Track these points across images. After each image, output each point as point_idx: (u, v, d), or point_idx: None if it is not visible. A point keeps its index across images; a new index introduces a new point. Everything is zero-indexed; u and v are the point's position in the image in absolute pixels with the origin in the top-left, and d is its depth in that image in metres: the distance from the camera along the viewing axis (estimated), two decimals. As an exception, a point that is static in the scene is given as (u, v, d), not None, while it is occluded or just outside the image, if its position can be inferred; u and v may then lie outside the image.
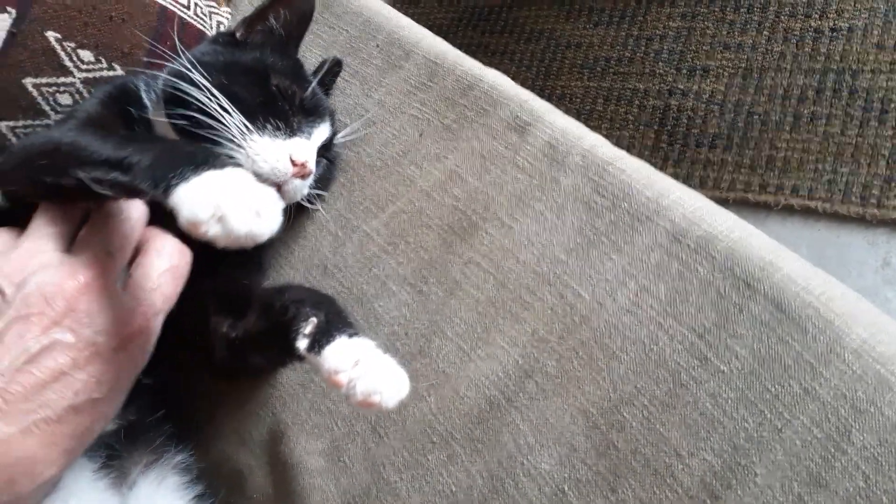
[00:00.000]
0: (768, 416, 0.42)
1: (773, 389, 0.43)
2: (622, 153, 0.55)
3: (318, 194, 0.64)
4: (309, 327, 0.50)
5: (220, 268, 0.61)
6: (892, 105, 1.15)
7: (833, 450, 0.40)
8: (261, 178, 0.56)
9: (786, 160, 1.21)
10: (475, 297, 0.56)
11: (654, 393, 0.46)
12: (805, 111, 1.22)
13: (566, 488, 0.47)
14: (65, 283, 0.43)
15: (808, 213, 1.16)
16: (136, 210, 0.50)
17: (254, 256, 0.65)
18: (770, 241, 0.48)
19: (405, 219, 0.62)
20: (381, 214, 0.64)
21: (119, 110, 0.60)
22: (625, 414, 0.47)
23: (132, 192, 0.46)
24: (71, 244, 0.48)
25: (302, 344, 0.49)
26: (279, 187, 0.58)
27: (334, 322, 0.51)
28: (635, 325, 0.48)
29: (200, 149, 0.49)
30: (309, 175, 0.58)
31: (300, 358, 0.52)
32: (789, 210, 1.18)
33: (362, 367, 0.46)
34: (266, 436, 0.62)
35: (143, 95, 0.61)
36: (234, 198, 0.40)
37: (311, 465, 0.58)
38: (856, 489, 0.39)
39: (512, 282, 0.54)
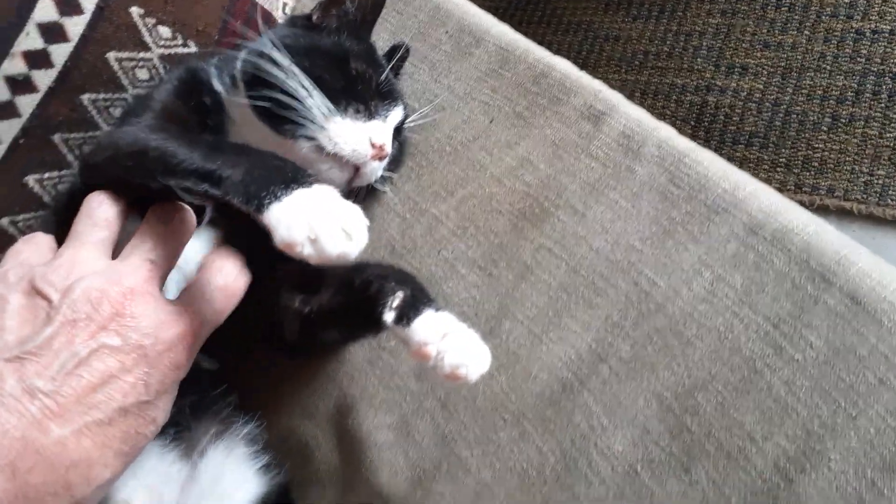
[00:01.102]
0: (842, 404, 0.44)
1: (847, 379, 0.45)
2: (695, 145, 0.57)
3: (388, 176, 0.66)
4: (396, 301, 0.52)
5: None
6: (932, 108, 1.16)
7: (908, 438, 0.42)
8: (341, 160, 0.58)
9: (822, 161, 1.22)
10: (546, 282, 0.58)
11: (728, 379, 0.48)
12: (843, 112, 1.23)
13: (639, 468, 0.49)
14: (111, 289, 0.45)
15: (843, 213, 1.17)
16: (185, 221, 0.51)
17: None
18: (844, 237, 0.49)
19: (475, 203, 0.64)
20: (451, 198, 0.65)
21: (192, 98, 0.62)
22: (699, 398, 0.49)
23: (222, 203, 0.48)
24: (114, 251, 0.49)
25: (389, 317, 0.51)
26: (357, 169, 0.59)
27: (420, 297, 0.52)
28: (711, 313, 0.50)
29: (288, 163, 0.51)
30: (386, 157, 0.60)
31: (382, 330, 0.54)
32: (824, 210, 1.19)
33: (449, 340, 0.48)
34: (333, 410, 0.64)
35: (214, 79, 0.63)
36: (326, 220, 0.43)
37: (380, 439, 0.60)
38: (930, 475, 0.41)
39: (585, 268, 0.56)
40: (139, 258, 0.49)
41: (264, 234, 0.58)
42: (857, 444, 0.43)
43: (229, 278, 0.51)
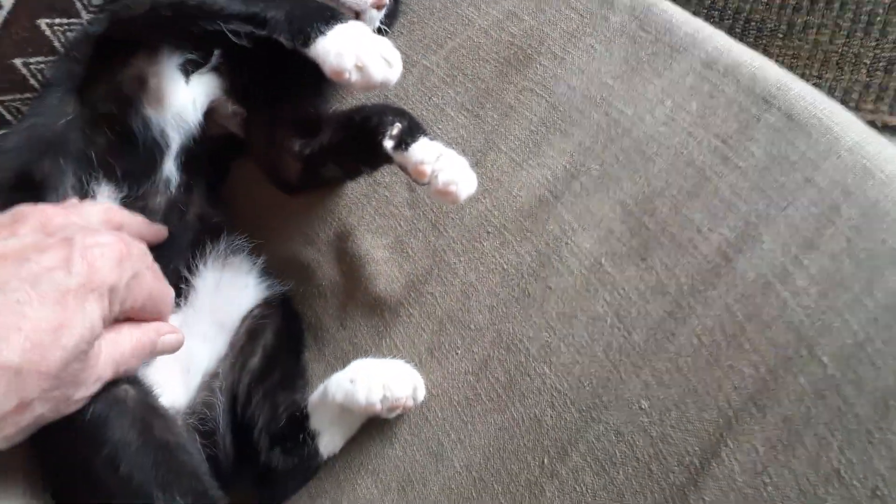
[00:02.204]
0: (776, 199, 0.53)
1: (780, 180, 0.54)
2: (663, -1, 0.64)
3: (384, 30, 0.72)
4: (395, 130, 0.59)
5: (287, 98, 0.69)
6: (878, 18, 1.26)
7: (825, 221, 0.51)
8: (343, 5, 0.63)
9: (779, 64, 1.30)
10: (528, 118, 0.65)
11: (681, 185, 0.57)
12: (798, 20, 1.32)
13: (603, 260, 0.58)
14: None
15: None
16: None
17: (320, 86, 0.73)
18: (784, 71, 0.58)
19: (463, 53, 0.70)
20: (440, 50, 0.72)
21: None
22: (656, 203, 0.57)
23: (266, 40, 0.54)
24: None
25: (389, 144, 0.58)
26: (357, 15, 0.65)
27: (415, 127, 0.60)
28: (669, 134, 0.58)
29: (320, 3, 0.57)
30: (384, 7, 0.66)
31: (380, 162, 0.62)
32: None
33: (443, 161, 0.56)
34: (332, 236, 0.71)
35: None
36: (370, 50, 0.52)
37: (377, 256, 0.68)
38: (841, 248, 0.50)
39: (563, 104, 0.64)
40: None
41: (267, 83, 0.65)
42: (785, 229, 0.52)
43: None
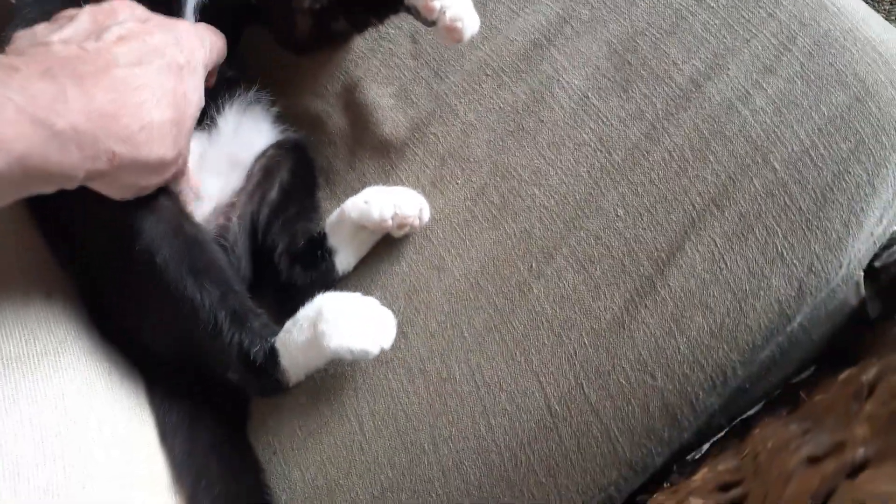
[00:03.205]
0: (741, 33, 0.60)
1: (745, 15, 0.60)
2: None
3: None
4: None
5: None
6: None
7: (782, 49, 0.59)
8: None
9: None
10: (524, -28, 0.71)
11: (660, 25, 0.63)
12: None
13: (589, 94, 0.65)
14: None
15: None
16: None
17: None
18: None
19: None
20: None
21: None
22: (638, 41, 0.64)
23: None
24: None
25: None
26: None
27: None
28: (650, -21, 0.65)
29: None
30: None
31: (388, 13, 0.67)
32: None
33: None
34: (340, 89, 0.78)
35: None
36: None
37: (383, 103, 0.74)
38: (795, 72, 0.58)
39: (556, -43, 0.69)
40: None
41: None
42: (748, 57, 0.60)
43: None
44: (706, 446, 0.62)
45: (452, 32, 0.62)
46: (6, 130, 0.41)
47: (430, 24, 0.63)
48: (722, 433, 0.62)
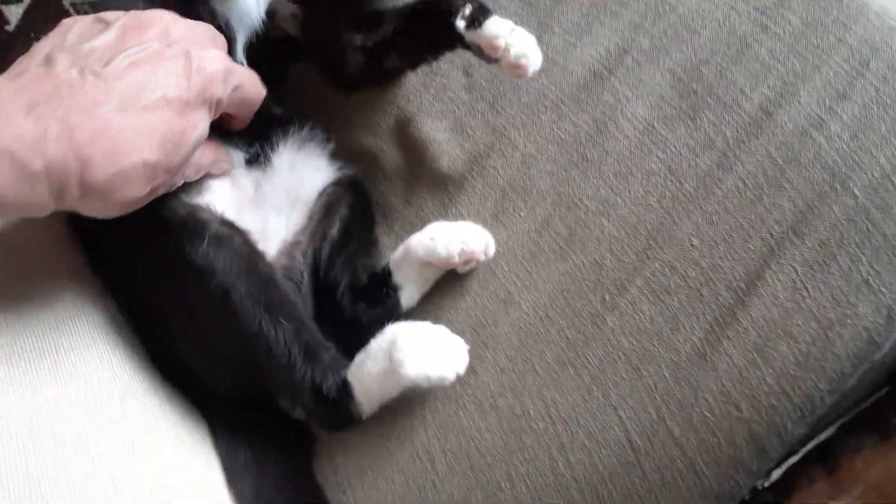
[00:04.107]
0: (811, 59, 0.60)
1: (815, 42, 0.60)
2: None
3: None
4: (467, 10, 0.64)
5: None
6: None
7: (855, 74, 0.58)
8: None
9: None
10: (579, 2, 0.71)
11: (725, 53, 0.63)
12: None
13: (655, 123, 0.64)
14: (161, 16, 0.53)
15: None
16: None
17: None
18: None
19: (512, -53, 0.76)
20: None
21: None
22: (702, 70, 0.64)
23: None
24: None
25: (461, 23, 0.63)
26: None
27: (484, 6, 0.65)
28: (713, 8, 0.65)
29: None
30: None
31: (444, 48, 0.67)
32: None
33: (515, 36, 0.62)
34: (393, 124, 0.78)
35: None
36: None
37: (438, 137, 0.74)
38: (870, 97, 0.57)
39: (611, -12, 0.70)
40: None
41: None
42: (820, 84, 0.59)
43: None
44: (776, 473, 0.61)
45: (517, 70, 0.62)
46: None
47: (493, 61, 0.63)
48: (796, 458, 0.61)
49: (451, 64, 0.76)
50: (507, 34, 0.62)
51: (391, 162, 0.77)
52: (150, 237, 0.59)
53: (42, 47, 0.51)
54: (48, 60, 0.49)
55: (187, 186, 0.60)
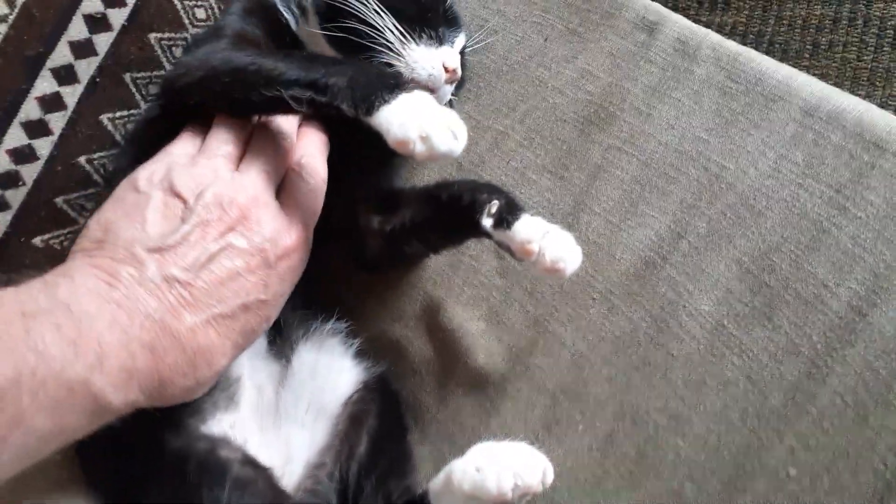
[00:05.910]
0: (903, 248, 0.52)
1: (905, 227, 0.52)
2: (743, 47, 0.63)
3: (452, 98, 0.71)
4: (494, 208, 0.57)
5: (363, 174, 0.68)
6: (905, 31, 1.26)
7: (962, 268, 0.50)
8: (418, 84, 0.62)
9: (805, 85, 1.31)
10: (619, 178, 0.64)
11: (799, 240, 0.55)
12: (823, 40, 1.32)
13: (726, 322, 0.56)
14: (238, 196, 0.50)
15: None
16: (290, 133, 0.57)
17: (394, 161, 0.71)
18: (888, 114, 0.57)
19: (539, 115, 0.69)
20: (513, 114, 0.71)
21: (264, 23, 0.65)
22: (774, 259, 0.56)
23: (327, 109, 0.51)
24: (237, 166, 0.54)
25: (488, 222, 0.57)
26: (432, 92, 0.64)
27: (514, 203, 0.58)
28: (777, 186, 0.57)
29: (385, 71, 0.56)
30: (456, 80, 0.65)
31: (467, 238, 0.61)
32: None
33: (549, 238, 0.55)
34: (420, 311, 0.70)
35: (281, 8, 0.66)
36: (435, 121, 0.49)
37: (472, 328, 0.66)
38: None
39: (655, 161, 0.62)
40: (257, 170, 0.53)
41: (344, 162, 0.62)
42: (919, 279, 0.51)
43: (316, 179, 0.56)
44: None
45: (553, 273, 0.54)
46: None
47: (526, 262, 0.55)
48: None
49: (481, 242, 0.68)
50: (541, 237, 0.54)
51: (420, 354, 0.68)
52: (165, 471, 0.53)
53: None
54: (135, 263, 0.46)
55: (211, 407, 0.56)
